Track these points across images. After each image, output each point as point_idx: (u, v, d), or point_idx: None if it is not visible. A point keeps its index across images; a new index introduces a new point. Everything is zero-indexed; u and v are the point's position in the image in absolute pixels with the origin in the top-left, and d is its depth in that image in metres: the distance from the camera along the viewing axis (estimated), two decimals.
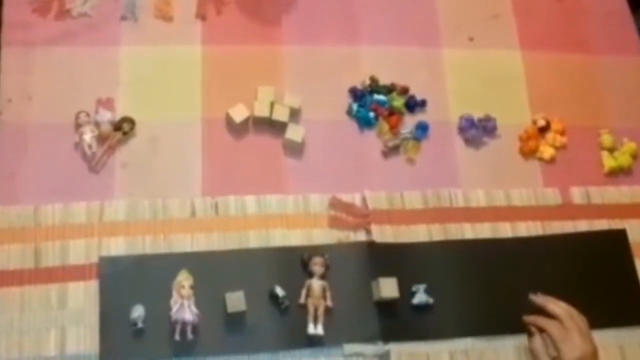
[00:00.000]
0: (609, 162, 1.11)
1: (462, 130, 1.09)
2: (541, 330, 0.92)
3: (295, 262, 0.95)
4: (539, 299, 0.94)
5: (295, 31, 1.12)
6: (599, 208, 1.07)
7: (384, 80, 1.10)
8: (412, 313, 0.95)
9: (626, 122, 1.14)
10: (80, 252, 0.93)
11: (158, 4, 1.10)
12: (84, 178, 0.98)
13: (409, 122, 1.09)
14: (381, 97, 1.08)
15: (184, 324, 0.88)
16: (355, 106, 1.08)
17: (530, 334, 0.93)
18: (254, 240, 0.97)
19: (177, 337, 0.88)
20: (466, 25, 1.17)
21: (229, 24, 1.11)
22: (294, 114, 1.05)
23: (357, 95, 1.08)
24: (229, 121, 1.04)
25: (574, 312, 0.90)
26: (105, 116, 1.00)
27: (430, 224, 1.02)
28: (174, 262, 0.92)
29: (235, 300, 0.90)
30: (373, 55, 1.12)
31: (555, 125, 1.11)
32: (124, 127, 1.00)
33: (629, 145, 1.12)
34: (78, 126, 0.99)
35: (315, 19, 1.13)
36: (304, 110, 1.06)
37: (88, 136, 0.98)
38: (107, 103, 1.02)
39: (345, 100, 1.09)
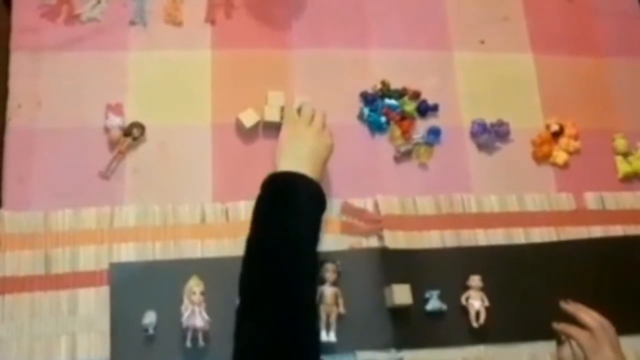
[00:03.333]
0: (623, 167, 1.10)
1: (474, 135, 1.08)
2: (570, 338, 0.90)
3: None
4: (570, 307, 0.92)
5: (305, 35, 1.11)
6: (614, 214, 1.06)
7: (395, 84, 1.09)
8: (426, 320, 0.95)
9: None
10: (91, 258, 0.92)
11: (167, 9, 1.09)
12: (94, 183, 0.97)
13: (421, 127, 1.08)
14: (393, 102, 1.08)
15: (195, 330, 0.87)
16: (366, 111, 1.07)
17: (559, 342, 0.92)
18: None
19: (188, 343, 0.87)
20: (477, 28, 1.16)
21: (239, 29, 1.10)
22: None
23: (369, 99, 1.08)
24: (239, 126, 1.03)
25: (605, 322, 0.89)
26: (115, 121, 1.00)
27: (443, 230, 1.01)
28: (184, 268, 0.92)
29: None
30: (384, 59, 1.11)
31: (568, 130, 1.10)
32: (133, 133, 1.00)
33: None
34: None
35: (325, 23, 1.12)
36: None
37: None
38: (116, 108, 1.01)
39: (357, 104, 1.08)
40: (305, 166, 0.90)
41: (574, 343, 0.89)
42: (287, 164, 0.90)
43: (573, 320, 0.91)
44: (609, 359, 0.86)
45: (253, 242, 0.85)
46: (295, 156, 0.91)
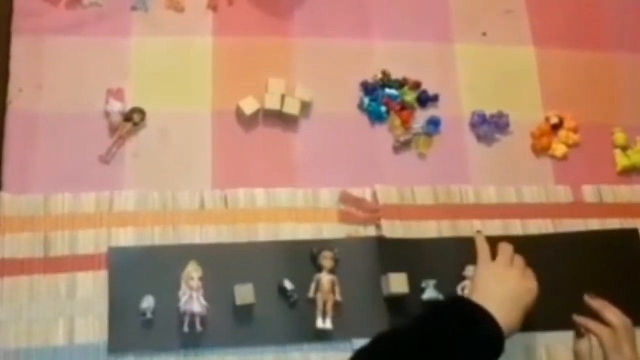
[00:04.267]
0: (622, 160, 1.10)
1: (474, 126, 1.08)
2: (591, 333, 0.90)
3: (305, 256, 0.95)
4: (596, 303, 0.92)
5: (307, 24, 1.11)
6: (611, 207, 1.06)
7: (396, 74, 1.09)
8: (422, 309, 0.95)
9: None
10: (90, 242, 0.92)
11: None
12: (94, 168, 0.97)
13: (421, 117, 1.08)
14: (393, 92, 1.08)
15: (193, 315, 0.88)
16: (366, 100, 1.07)
17: (579, 335, 0.92)
18: (263, 233, 0.97)
19: (185, 328, 0.88)
20: (479, 20, 1.16)
21: (241, 16, 1.10)
22: (305, 107, 1.05)
23: (369, 89, 1.08)
24: (240, 114, 1.03)
25: (628, 322, 0.89)
26: (116, 107, 1.00)
27: (441, 220, 1.01)
28: (183, 254, 0.92)
29: (245, 293, 0.90)
30: (385, 50, 1.11)
31: (568, 123, 1.10)
32: (134, 118, 1.00)
33: None
34: None
35: (327, 12, 1.12)
36: (315, 103, 1.05)
37: None
38: (117, 94, 1.01)
39: (357, 94, 1.08)
40: (502, 308, 0.82)
41: (593, 338, 0.90)
42: (480, 301, 0.83)
43: (592, 314, 0.91)
44: (628, 358, 0.86)
45: (399, 340, 0.81)
46: (492, 295, 0.84)
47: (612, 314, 0.90)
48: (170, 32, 1.07)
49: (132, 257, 0.92)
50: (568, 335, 0.93)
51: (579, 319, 0.92)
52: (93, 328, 0.88)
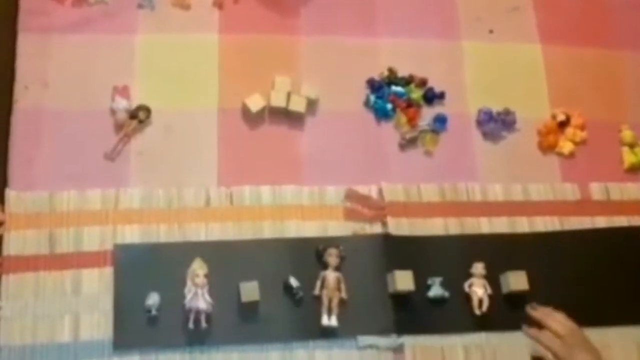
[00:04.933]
0: (629, 158, 1.10)
1: (480, 123, 1.08)
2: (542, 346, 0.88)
3: (310, 254, 0.95)
4: (537, 313, 0.90)
5: (313, 21, 1.11)
6: (618, 204, 1.06)
7: (402, 71, 1.09)
8: (427, 306, 0.95)
9: None
10: (95, 239, 0.93)
11: None
12: (100, 165, 0.98)
13: (427, 115, 1.08)
14: (399, 89, 1.08)
15: (198, 312, 0.88)
16: (372, 97, 1.07)
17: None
18: (269, 230, 0.97)
19: (190, 325, 0.88)
20: (486, 17, 1.16)
21: (246, 13, 1.10)
22: (311, 105, 1.05)
23: (375, 86, 1.08)
24: (245, 111, 1.03)
25: (573, 326, 0.87)
26: (121, 104, 1.00)
27: (447, 217, 1.01)
28: (188, 251, 0.92)
29: (250, 290, 0.90)
30: (391, 47, 1.11)
31: (575, 120, 1.10)
32: (139, 116, 1.00)
33: None
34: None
35: (333, 10, 1.12)
36: (321, 101, 1.05)
37: None
38: (123, 91, 1.01)
39: (363, 91, 1.08)
40: None
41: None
42: None
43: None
44: None
45: None
46: None
47: (555, 322, 0.87)
48: (176, 29, 1.07)
49: (137, 254, 0.92)
50: None
51: (530, 332, 0.89)
52: (98, 324, 0.89)
